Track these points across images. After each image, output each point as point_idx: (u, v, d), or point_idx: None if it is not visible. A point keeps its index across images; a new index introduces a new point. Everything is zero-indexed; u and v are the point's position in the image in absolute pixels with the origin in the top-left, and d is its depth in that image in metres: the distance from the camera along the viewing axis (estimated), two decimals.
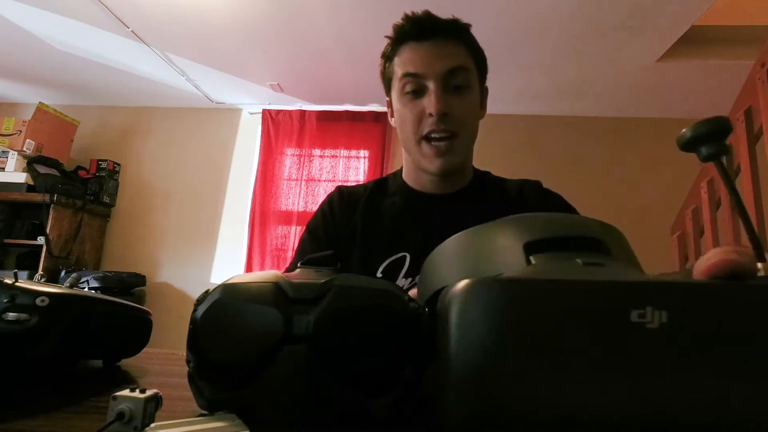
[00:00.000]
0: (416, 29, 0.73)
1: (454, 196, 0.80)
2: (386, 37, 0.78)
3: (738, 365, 0.18)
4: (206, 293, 0.31)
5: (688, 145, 0.29)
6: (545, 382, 0.19)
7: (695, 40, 2.37)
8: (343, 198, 0.86)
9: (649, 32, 2.20)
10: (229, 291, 0.30)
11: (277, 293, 0.29)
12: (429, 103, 0.70)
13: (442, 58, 0.71)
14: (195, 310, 0.30)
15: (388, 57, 0.78)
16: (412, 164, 0.80)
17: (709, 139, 0.28)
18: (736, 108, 1.58)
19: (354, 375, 0.28)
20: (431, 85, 0.71)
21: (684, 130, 0.29)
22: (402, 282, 0.71)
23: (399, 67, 0.74)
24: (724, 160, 0.30)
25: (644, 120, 3.09)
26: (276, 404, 0.27)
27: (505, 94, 2.91)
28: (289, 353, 0.27)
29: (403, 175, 0.85)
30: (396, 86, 0.75)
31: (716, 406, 0.18)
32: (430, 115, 0.70)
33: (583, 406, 0.18)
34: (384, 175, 0.91)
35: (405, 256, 0.73)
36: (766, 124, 1.38)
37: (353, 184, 0.91)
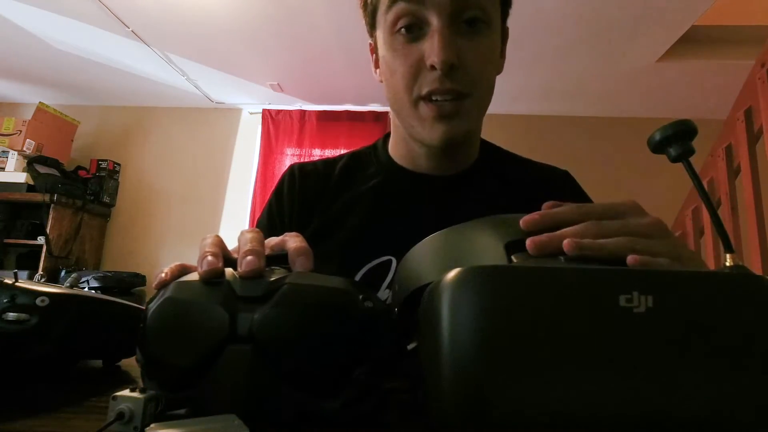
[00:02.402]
0: None
1: (456, 179, 0.61)
2: None
3: (718, 349, 0.20)
4: (160, 291, 0.30)
5: (658, 147, 0.31)
6: (545, 368, 0.19)
7: (695, 40, 2.37)
8: (294, 183, 0.65)
9: (649, 32, 2.20)
10: (179, 288, 0.29)
11: (225, 290, 0.28)
12: (431, 49, 0.48)
13: None
14: (146, 308, 0.29)
15: None
16: (402, 133, 0.60)
17: (676, 140, 0.30)
18: (736, 108, 1.58)
19: (301, 376, 0.26)
20: (434, 20, 0.49)
21: (653, 133, 0.31)
22: (385, 294, 0.56)
23: None
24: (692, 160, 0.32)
25: (644, 120, 3.08)
26: (218, 406, 0.25)
27: (505, 93, 2.91)
28: (231, 353, 0.26)
29: (390, 148, 0.64)
30: (382, 19, 0.53)
31: (702, 387, 0.20)
32: (432, 67, 0.49)
33: (577, 390, 0.19)
34: (362, 147, 0.69)
35: (390, 261, 0.57)
36: (766, 124, 1.38)
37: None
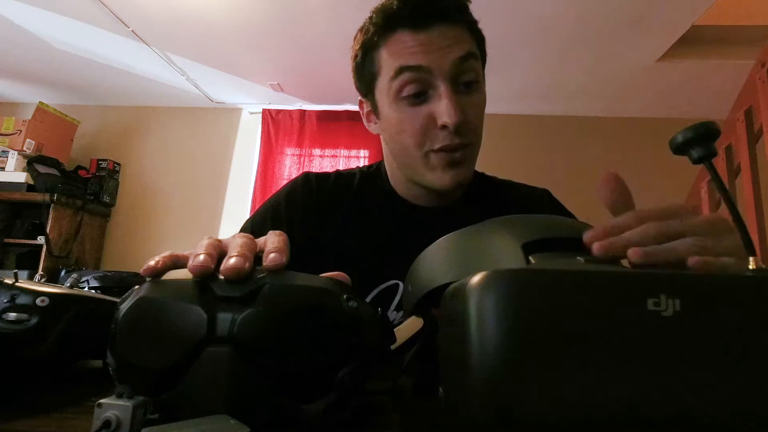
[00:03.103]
0: (414, 11, 0.56)
1: (452, 208, 0.67)
2: (367, 21, 0.61)
3: (747, 352, 0.20)
4: (131, 290, 0.28)
5: (680, 149, 0.31)
6: (573, 372, 0.19)
7: (695, 40, 2.36)
8: (311, 189, 0.68)
9: (649, 32, 2.20)
10: (154, 287, 0.27)
11: (203, 290, 0.27)
12: (440, 110, 0.54)
13: (451, 45, 0.55)
14: (117, 308, 0.28)
15: (369, 46, 0.59)
16: (402, 175, 0.66)
17: (699, 142, 0.29)
18: (736, 108, 1.58)
19: (282, 379, 0.25)
20: (441, 84, 0.55)
21: (675, 134, 0.30)
22: (393, 315, 0.60)
23: (390, 59, 0.57)
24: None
25: (644, 120, 3.08)
26: (195, 411, 0.24)
27: (505, 93, 2.90)
28: (209, 356, 0.25)
29: (390, 180, 0.69)
30: (385, 86, 0.58)
31: (732, 390, 0.19)
32: (443, 126, 0.55)
33: (607, 392, 0.19)
34: (365, 168, 0.74)
35: (397, 285, 0.61)
36: (766, 124, 1.38)
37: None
